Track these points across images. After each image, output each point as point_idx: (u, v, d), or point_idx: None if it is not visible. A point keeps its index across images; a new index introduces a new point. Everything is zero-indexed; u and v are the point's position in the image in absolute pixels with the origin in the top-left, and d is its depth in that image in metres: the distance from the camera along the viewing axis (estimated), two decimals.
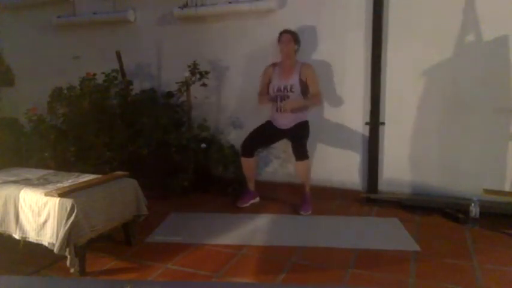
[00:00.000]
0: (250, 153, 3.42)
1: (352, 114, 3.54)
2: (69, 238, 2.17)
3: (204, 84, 3.78)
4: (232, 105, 4.01)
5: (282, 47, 3.37)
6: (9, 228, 2.38)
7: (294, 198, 3.50)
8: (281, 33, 3.39)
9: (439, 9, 3.18)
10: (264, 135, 3.48)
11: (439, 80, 3.26)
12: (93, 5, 4.41)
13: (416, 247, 2.59)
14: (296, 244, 2.66)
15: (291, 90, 3.36)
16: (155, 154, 3.65)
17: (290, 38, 3.35)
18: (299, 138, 3.32)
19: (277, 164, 3.88)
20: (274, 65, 3.50)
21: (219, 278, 2.26)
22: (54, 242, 2.20)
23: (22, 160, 3.53)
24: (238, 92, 3.97)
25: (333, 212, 3.28)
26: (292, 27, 3.46)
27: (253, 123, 3.58)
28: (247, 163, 3.43)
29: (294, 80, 3.36)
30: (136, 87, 4.09)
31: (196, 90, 3.83)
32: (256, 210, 3.32)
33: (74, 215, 2.16)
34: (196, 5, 3.89)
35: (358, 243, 2.66)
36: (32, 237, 2.31)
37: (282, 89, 3.38)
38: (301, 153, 3.25)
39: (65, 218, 2.17)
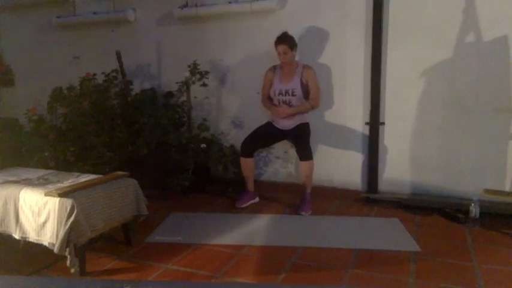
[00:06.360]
0: (249, 153, 3.42)
1: (352, 114, 3.54)
2: (69, 238, 2.17)
3: (204, 84, 3.78)
4: (232, 105, 4.01)
5: (280, 57, 3.32)
6: (9, 228, 2.38)
7: (294, 198, 3.49)
8: (276, 44, 3.28)
9: (439, 9, 3.18)
10: (264, 136, 3.47)
11: (439, 80, 3.26)
12: (93, 5, 4.41)
13: (416, 247, 2.59)
14: (296, 244, 2.66)
15: (292, 94, 3.35)
16: (155, 154, 3.65)
17: (286, 49, 3.25)
18: (302, 138, 3.32)
19: (278, 164, 3.88)
20: (274, 67, 3.48)
21: (219, 278, 2.26)
22: (54, 242, 2.20)
23: (22, 160, 3.53)
24: (238, 92, 3.97)
25: (333, 212, 3.28)
26: (292, 27, 3.45)
27: (253, 123, 3.59)
28: (245, 163, 3.43)
29: (295, 83, 3.34)
30: (137, 87, 4.09)
31: (196, 90, 3.83)
32: (256, 210, 3.32)
33: (74, 215, 2.17)
34: (196, 5, 3.89)
35: (358, 243, 2.66)
36: (32, 237, 2.31)
37: (284, 92, 3.37)
38: (305, 153, 3.25)
39: (65, 218, 2.17)
